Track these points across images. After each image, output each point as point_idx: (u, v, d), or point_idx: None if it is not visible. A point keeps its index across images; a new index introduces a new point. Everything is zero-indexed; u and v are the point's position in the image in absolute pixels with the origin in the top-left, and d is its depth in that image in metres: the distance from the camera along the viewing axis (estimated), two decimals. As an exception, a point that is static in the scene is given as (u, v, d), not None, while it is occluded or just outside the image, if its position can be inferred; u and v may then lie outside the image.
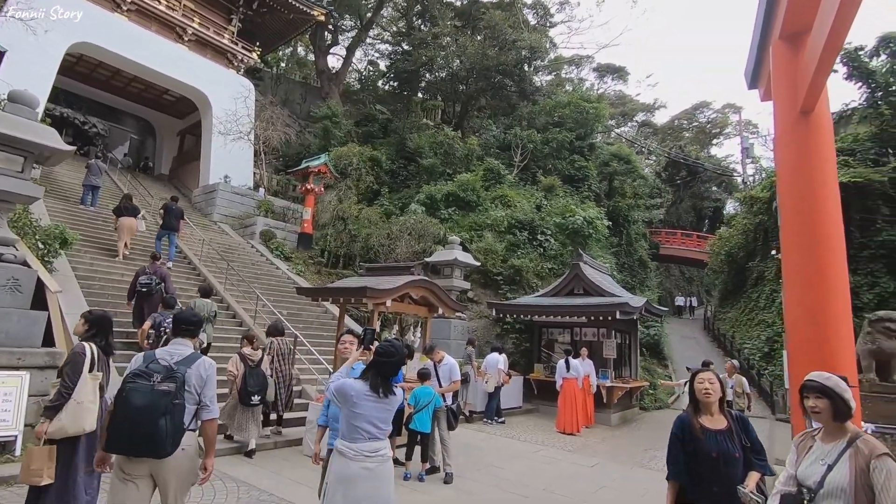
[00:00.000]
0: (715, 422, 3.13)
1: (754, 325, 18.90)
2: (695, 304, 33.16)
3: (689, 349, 23.27)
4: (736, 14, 69.71)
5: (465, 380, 10.24)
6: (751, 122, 46.15)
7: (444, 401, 6.20)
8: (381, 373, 2.90)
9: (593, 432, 10.29)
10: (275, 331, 7.29)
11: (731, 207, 43.12)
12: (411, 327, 9.06)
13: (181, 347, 2.99)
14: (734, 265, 22.84)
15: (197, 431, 2.96)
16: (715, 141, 47.70)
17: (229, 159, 18.45)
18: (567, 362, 10.29)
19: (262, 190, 18.83)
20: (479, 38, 25.89)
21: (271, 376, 6.64)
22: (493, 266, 15.40)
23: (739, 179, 36.28)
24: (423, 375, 6.15)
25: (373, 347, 3.16)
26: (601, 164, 23.78)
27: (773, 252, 15.03)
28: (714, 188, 44.52)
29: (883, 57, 15.73)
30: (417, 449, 6.08)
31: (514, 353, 13.88)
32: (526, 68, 26.08)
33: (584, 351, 11.05)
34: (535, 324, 13.41)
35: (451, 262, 12.70)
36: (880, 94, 15.76)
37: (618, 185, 24.11)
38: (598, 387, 11.13)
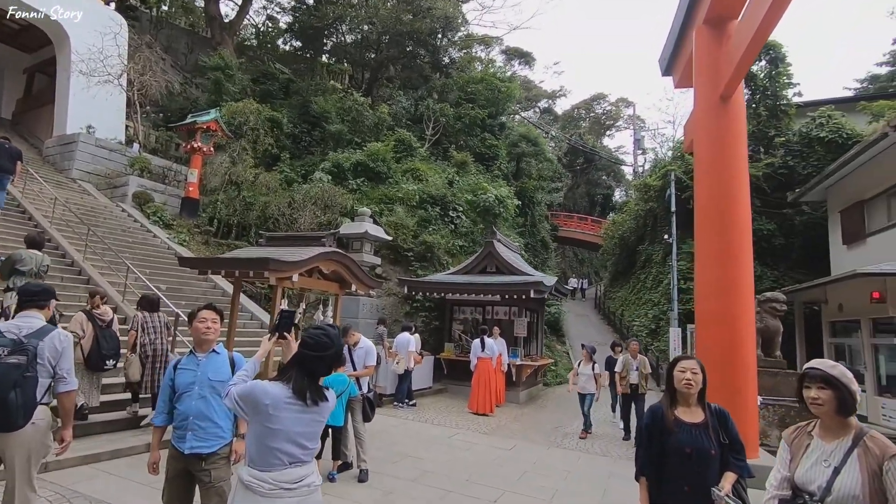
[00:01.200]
0: (692, 414, 2.79)
1: (642, 303, 20.38)
2: (585, 286, 35.07)
3: (583, 326, 24.68)
4: (648, 3, 74.08)
5: (377, 362, 9.57)
6: (640, 116, 49.71)
7: (360, 388, 5.48)
8: (310, 372, 2.12)
9: (504, 411, 10.18)
10: (147, 304, 6.04)
11: (618, 195, 46.60)
12: (320, 306, 8.08)
13: (31, 320, 2.90)
14: (626, 248, 24.46)
15: (50, 404, 2.89)
16: (608, 133, 50.92)
17: (94, 107, 15.49)
18: (482, 341, 10.01)
19: (136, 145, 16.14)
20: (392, 1, 24.51)
21: (137, 353, 5.79)
22: (403, 242, 14.71)
23: (630, 169, 38.98)
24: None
25: (291, 336, 2.35)
26: (511, 145, 23.96)
27: (666, 237, 16.12)
28: (605, 177, 47.73)
29: (763, 62, 17.34)
30: (327, 444, 5.30)
31: (424, 332, 13.41)
32: (439, 39, 25.26)
33: (496, 330, 10.86)
34: (446, 302, 13.02)
35: (361, 236, 11.79)
36: (759, 96, 17.42)
37: (525, 166, 24.49)
38: (508, 365, 11.06)
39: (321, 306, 8.18)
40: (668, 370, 2.92)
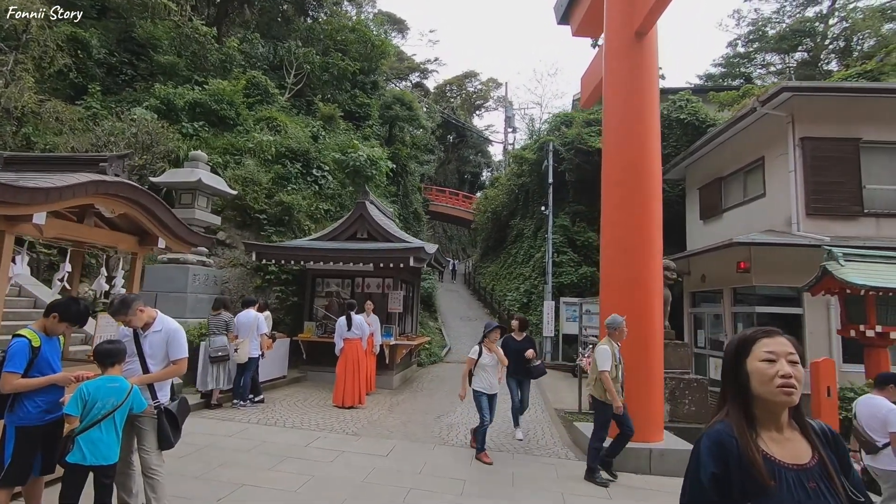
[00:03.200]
0: (790, 446, 1.41)
1: (513, 278, 20.21)
2: (456, 264, 33.04)
3: (454, 302, 24.07)
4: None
5: (223, 358, 7.28)
6: (509, 99, 50.75)
7: (155, 398, 3.37)
8: None
9: (377, 400, 8.56)
10: None
11: (486, 176, 47.37)
12: (103, 270, 5.43)
13: None
14: (498, 223, 24.25)
15: None
16: (478, 112, 51.35)
17: None
18: (349, 319, 8.20)
19: None
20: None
21: None
22: (254, 201, 12.08)
23: (499, 151, 39.47)
24: (105, 354, 3.18)
25: None
26: (384, 107, 21.93)
27: (543, 209, 15.77)
28: (475, 155, 48.17)
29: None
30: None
31: (280, 310, 11.15)
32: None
33: (368, 305, 9.11)
34: (308, 273, 10.88)
35: (192, 186, 9.07)
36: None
37: (399, 132, 22.72)
38: (381, 346, 9.44)
39: (104, 269, 5.47)
40: (732, 358, 1.50)
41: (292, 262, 10.38)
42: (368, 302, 9.18)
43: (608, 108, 6.62)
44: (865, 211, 9.58)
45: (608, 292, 6.26)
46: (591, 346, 9.34)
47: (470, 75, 48.61)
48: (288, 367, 9.73)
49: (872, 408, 4.14)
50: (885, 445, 4.00)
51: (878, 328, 7.51)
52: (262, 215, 12.14)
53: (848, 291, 7.67)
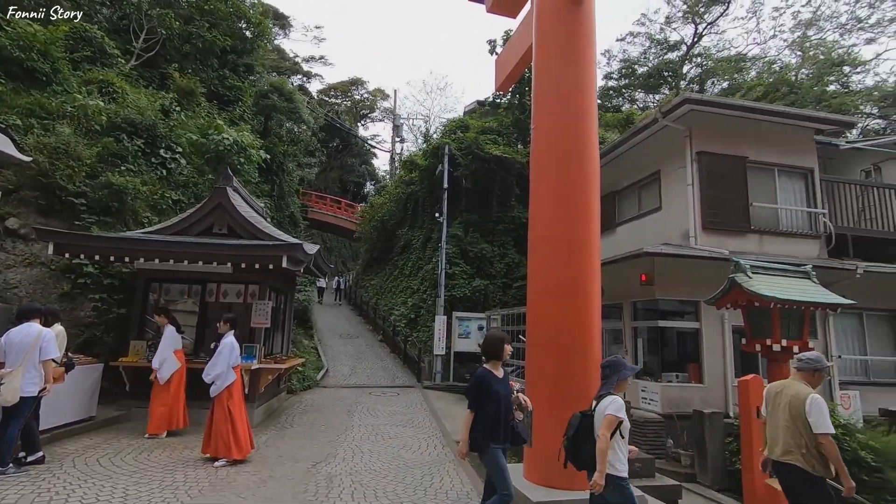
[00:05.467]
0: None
1: (400, 291, 18.72)
2: (342, 283, 28.28)
3: (333, 316, 21.86)
4: None
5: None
6: (395, 106, 49.52)
7: None
8: None
9: (228, 446, 6.38)
10: None
11: (370, 188, 45.58)
12: None
13: None
14: (384, 232, 22.64)
15: None
16: (363, 123, 49.52)
17: None
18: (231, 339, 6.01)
19: None
20: None
21: None
22: (68, 180, 9.07)
23: (383, 165, 38.11)
24: None
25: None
26: (260, 95, 19.28)
27: (437, 216, 14.59)
28: (360, 165, 46.24)
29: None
30: None
31: (97, 325, 8.36)
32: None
33: (223, 324, 6.82)
34: (141, 275, 8.25)
35: (-51, 142, 6.16)
36: (527, 88, 17.64)
37: (276, 126, 20.16)
38: (242, 372, 7.24)
39: None
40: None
41: (115, 260, 7.70)
42: (227, 316, 6.89)
43: (539, 86, 5.52)
44: (752, 227, 9.85)
45: (539, 297, 5.07)
46: (511, 368, 8.19)
47: (357, 82, 46.73)
48: (99, 405, 7.06)
49: None
50: None
51: (784, 342, 7.38)
52: (79, 199, 9.14)
53: (756, 304, 7.47)
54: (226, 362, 5.93)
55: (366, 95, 47.87)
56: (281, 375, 9.32)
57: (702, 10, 25.41)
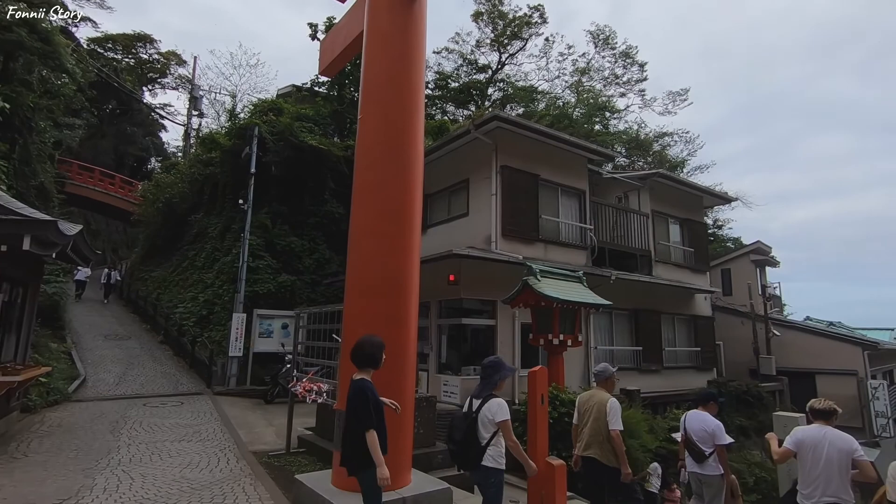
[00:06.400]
0: None
1: (189, 285, 16.40)
2: (115, 275, 22.44)
3: (97, 314, 18.07)
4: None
5: None
6: (194, 76, 43.60)
7: None
8: None
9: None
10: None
11: (154, 165, 39.17)
12: None
13: None
14: (172, 216, 19.57)
15: None
16: (150, 87, 42.28)
17: None
18: None
19: None
20: None
21: None
22: None
23: (173, 140, 33.15)
24: None
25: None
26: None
27: (240, 202, 13.12)
28: (144, 137, 39.41)
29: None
30: None
31: None
32: None
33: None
34: None
35: None
36: (346, 82, 17.22)
37: (21, 68, 15.72)
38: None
39: None
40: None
41: None
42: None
43: (371, 66, 5.35)
44: (540, 237, 11.31)
45: (358, 295, 4.87)
46: (316, 368, 7.74)
47: (144, 38, 39.34)
48: None
49: (702, 423, 4.81)
50: (711, 454, 4.73)
51: (561, 336, 8.60)
52: None
53: (542, 304, 8.56)
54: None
55: (156, 56, 40.78)
56: (13, 390, 7.19)
57: (505, 41, 28.50)
